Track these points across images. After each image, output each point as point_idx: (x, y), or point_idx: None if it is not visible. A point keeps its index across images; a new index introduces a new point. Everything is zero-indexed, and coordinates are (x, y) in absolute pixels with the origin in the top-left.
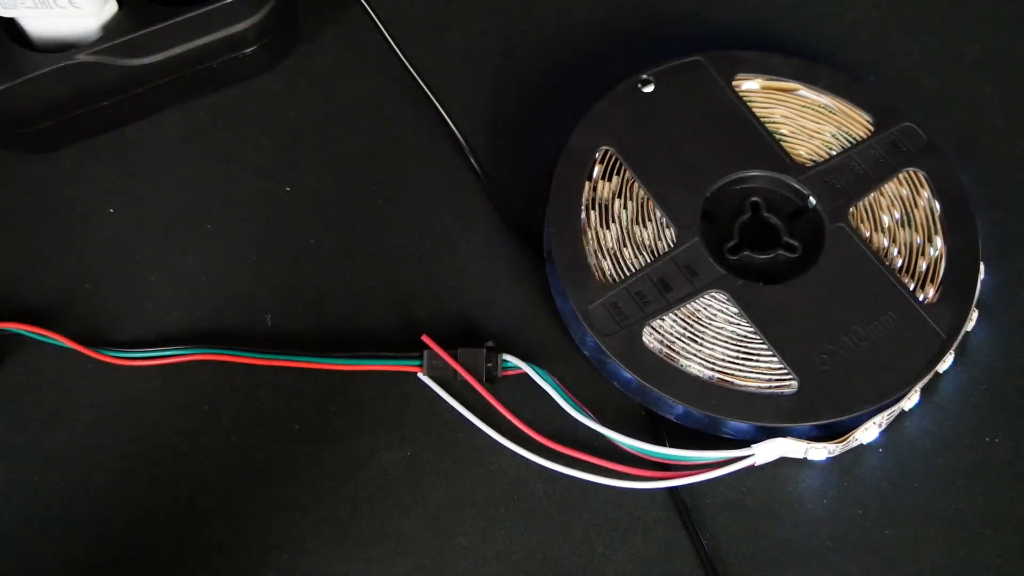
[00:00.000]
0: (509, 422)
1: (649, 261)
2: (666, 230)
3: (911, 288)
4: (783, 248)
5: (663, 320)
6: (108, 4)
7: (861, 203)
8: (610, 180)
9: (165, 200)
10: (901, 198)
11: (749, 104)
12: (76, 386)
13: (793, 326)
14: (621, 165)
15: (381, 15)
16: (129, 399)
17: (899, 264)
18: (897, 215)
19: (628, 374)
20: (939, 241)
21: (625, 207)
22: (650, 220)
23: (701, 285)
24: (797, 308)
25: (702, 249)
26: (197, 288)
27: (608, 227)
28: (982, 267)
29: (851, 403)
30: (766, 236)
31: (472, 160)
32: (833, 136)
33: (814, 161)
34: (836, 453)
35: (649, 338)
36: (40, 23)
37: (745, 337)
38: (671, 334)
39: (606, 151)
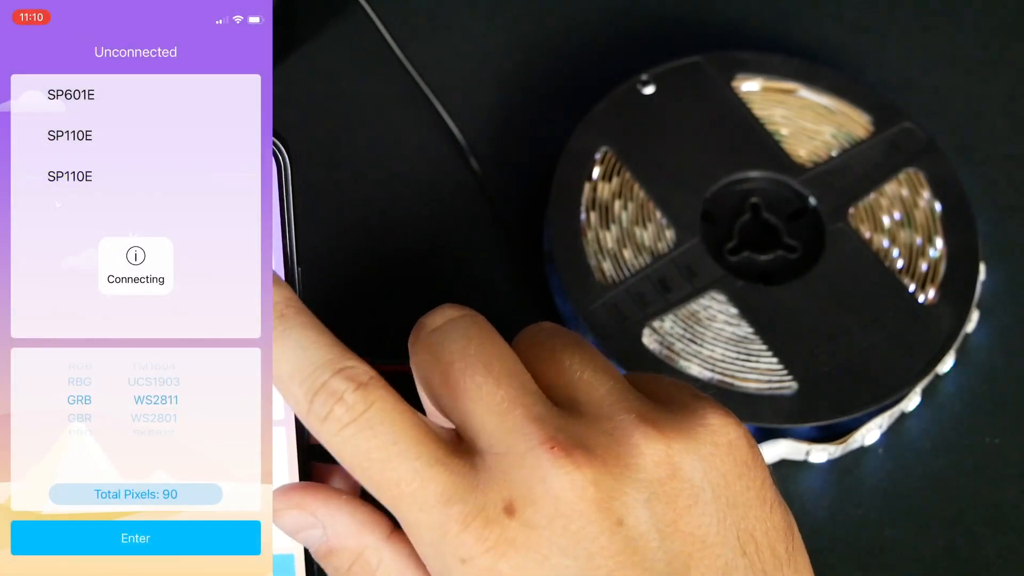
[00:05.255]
0: None
1: (649, 262)
2: (666, 231)
3: (911, 289)
4: (783, 249)
5: (663, 321)
6: None
7: (861, 204)
8: (610, 181)
9: None
10: (901, 199)
11: (749, 105)
12: None
13: (793, 327)
14: (621, 166)
15: (381, 15)
16: None
17: (899, 265)
18: (897, 216)
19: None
20: (939, 242)
21: (625, 208)
22: (650, 221)
23: (701, 286)
24: (797, 309)
25: (702, 250)
26: None
27: (608, 228)
28: (982, 267)
29: (851, 404)
30: (766, 237)
31: (472, 160)
32: (833, 137)
33: (814, 162)
34: (837, 455)
35: (649, 339)
36: None
37: (745, 338)
38: (671, 335)
39: (606, 152)
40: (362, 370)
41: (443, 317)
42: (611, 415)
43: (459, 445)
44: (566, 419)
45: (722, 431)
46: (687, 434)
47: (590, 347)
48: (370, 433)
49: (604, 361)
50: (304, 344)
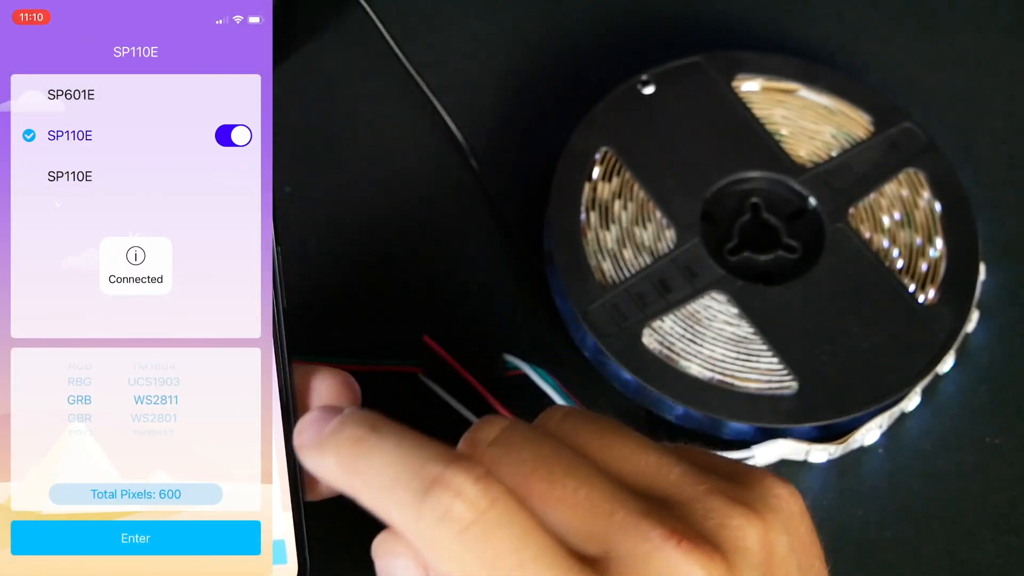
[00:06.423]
0: None
1: (649, 262)
2: (666, 231)
3: (911, 289)
4: (783, 249)
5: (663, 321)
6: None
7: (861, 204)
8: (610, 181)
9: None
10: (901, 199)
11: (749, 105)
12: None
13: (793, 327)
14: (621, 166)
15: (381, 15)
16: None
17: (899, 265)
18: (897, 216)
19: (628, 375)
20: (939, 242)
21: (625, 208)
22: (650, 221)
23: (701, 286)
24: (797, 309)
25: (702, 250)
26: None
27: (608, 228)
28: (982, 268)
29: (851, 404)
30: (766, 237)
31: (472, 160)
32: (833, 137)
33: (814, 162)
34: (837, 455)
35: (649, 339)
36: None
37: (745, 338)
38: (671, 335)
39: (606, 152)
40: (477, 462)
41: (495, 428)
42: (697, 497)
43: (571, 550)
44: (662, 508)
45: (790, 500)
46: (773, 509)
47: (628, 427)
48: (499, 535)
49: (650, 440)
50: (406, 446)
